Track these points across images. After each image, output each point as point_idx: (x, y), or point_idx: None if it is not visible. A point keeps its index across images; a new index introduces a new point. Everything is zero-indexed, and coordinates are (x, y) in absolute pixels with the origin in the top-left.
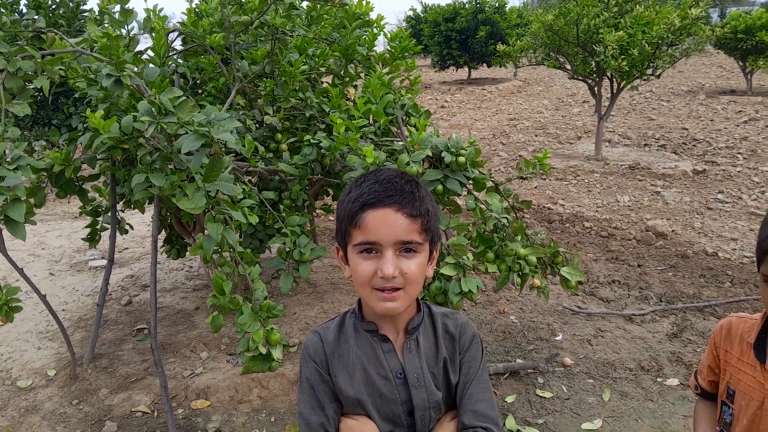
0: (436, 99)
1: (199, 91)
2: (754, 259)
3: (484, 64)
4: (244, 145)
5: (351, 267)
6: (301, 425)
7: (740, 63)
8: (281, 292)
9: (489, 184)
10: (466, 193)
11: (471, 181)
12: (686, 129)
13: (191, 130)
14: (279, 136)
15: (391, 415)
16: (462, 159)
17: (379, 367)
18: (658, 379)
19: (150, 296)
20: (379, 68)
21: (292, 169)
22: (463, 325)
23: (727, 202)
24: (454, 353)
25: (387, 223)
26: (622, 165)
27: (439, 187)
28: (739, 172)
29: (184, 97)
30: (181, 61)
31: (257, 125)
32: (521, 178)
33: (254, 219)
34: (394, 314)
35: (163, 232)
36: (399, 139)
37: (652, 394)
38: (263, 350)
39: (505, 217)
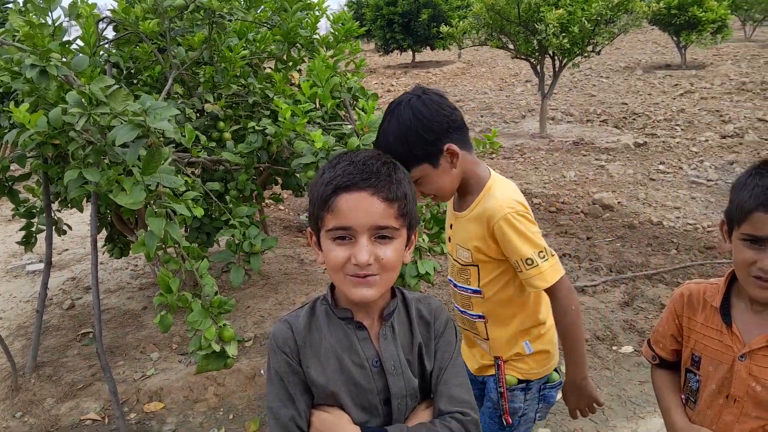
0: (382, 83)
1: (134, 81)
2: (699, 226)
3: (428, 47)
4: (183, 135)
5: (324, 253)
6: (270, 420)
7: (674, 38)
8: (233, 286)
9: None
10: None
11: None
12: (626, 104)
13: (125, 121)
14: (221, 124)
15: (366, 405)
16: None
17: (354, 356)
18: (614, 348)
19: (92, 299)
20: (323, 51)
21: (237, 158)
22: (437, 309)
23: (668, 173)
24: (429, 339)
25: (361, 207)
26: (566, 141)
27: None
28: (678, 143)
29: (116, 86)
30: (113, 51)
31: (198, 114)
32: None
33: (199, 212)
34: (369, 301)
35: (104, 231)
36: (348, 123)
37: (609, 363)
38: (216, 348)
39: None
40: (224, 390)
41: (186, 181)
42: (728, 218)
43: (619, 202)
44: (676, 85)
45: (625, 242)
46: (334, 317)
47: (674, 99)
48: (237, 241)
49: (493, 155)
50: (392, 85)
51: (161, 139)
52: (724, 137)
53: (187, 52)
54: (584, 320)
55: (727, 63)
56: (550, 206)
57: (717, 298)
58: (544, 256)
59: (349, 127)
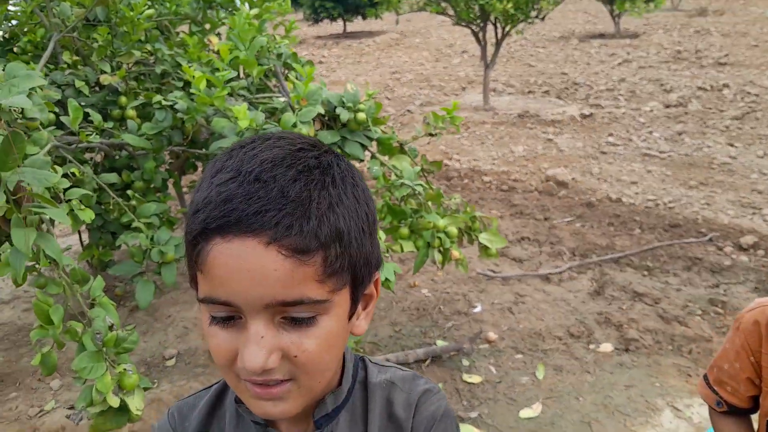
0: (313, 54)
1: (12, 49)
2: (660, 202)
3: (359, 17)
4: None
5: (204, 334)
6: None
7: (608, 7)
8: (139, 306)
9: (395, 144)
10: (369, 157)
11: (374, 143)
12: (566, 74)
13: None
14: (123, 99)
15: None
16: (362, 116)
17: None
18: (591, 346)
19: None
20: (245, 10)
21: (142, 140)
22: (422, 398)
23: (618, 145)
24: None
25: (248, 269)
26: (510, 114)
27: None
28: (623, 113)
29: None
30: None
31: (95, 88)
32: (430, 135)
33: (88, 215)
34: (282, 418)
35: None
36: (280, 95)
37: (588, 365)
38: (114, 402)
39: (420, 184)
40: (142, 425)
41: (73, 173)
42: None
43: (573, 178)
44: (613, 54)
45: (585, 222)
46: (246, 418)
47: (613, 68)
48: (144, 248)
49: (455, 132)
50: (324, 56)
51: (21, 120)
52: (668, 106)
53: (73, 10)
54: (553, 314)
55: (659, 32)
56: (502, 184)
57: None
58: None
59: (282, 99)
